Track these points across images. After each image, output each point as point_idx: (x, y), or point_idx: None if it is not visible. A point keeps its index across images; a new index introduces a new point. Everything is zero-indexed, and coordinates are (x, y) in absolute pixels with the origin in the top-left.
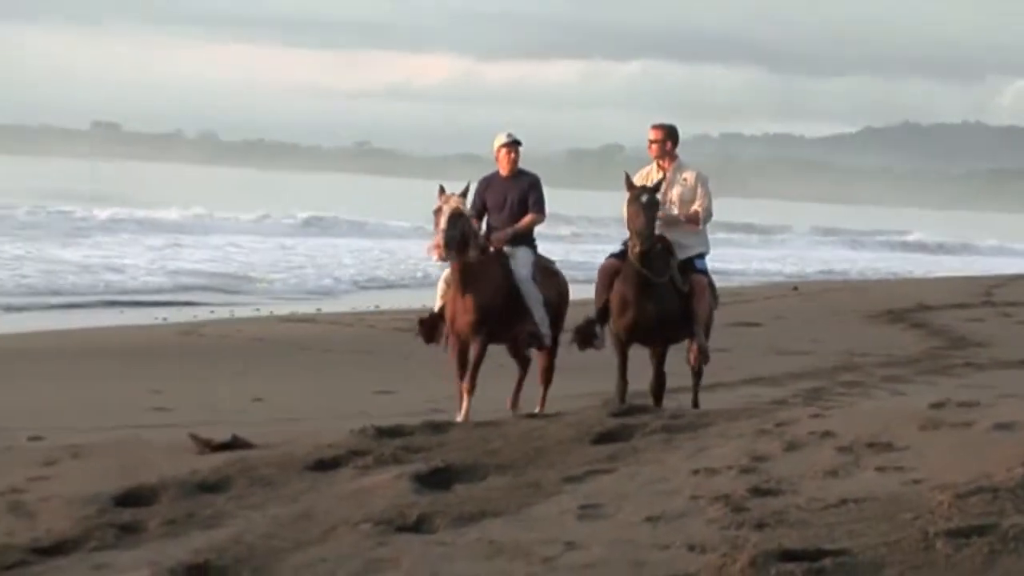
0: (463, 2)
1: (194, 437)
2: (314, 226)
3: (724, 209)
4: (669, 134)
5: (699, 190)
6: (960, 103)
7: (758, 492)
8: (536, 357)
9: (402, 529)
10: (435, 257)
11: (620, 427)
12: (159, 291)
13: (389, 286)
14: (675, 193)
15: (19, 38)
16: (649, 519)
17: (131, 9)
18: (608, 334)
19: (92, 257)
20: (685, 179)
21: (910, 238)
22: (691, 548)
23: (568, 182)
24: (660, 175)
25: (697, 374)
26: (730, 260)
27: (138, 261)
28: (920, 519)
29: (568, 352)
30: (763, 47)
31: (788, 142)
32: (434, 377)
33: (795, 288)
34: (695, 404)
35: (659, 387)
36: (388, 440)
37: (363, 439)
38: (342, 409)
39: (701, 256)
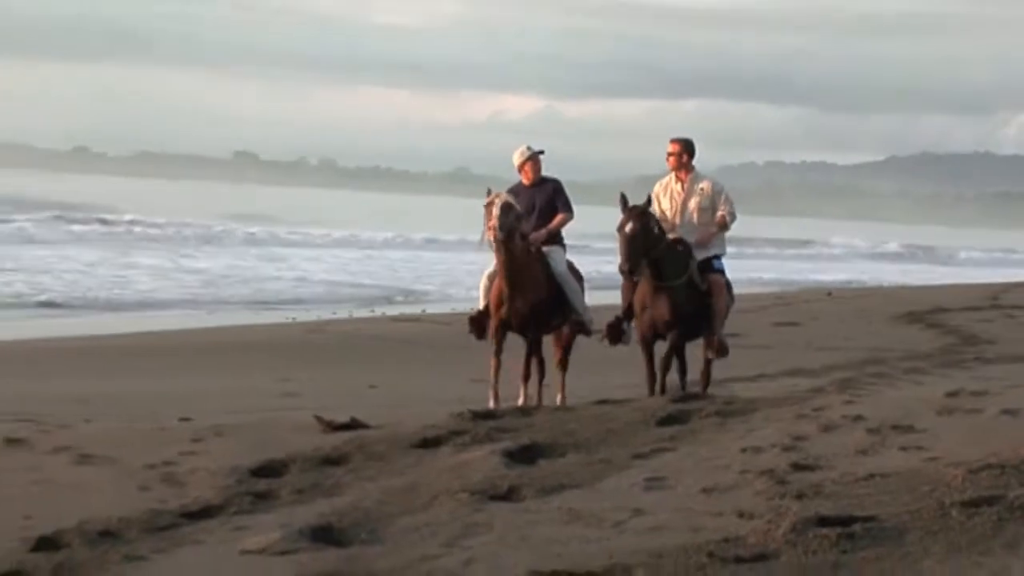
0: (544, 49)
1: (318, 419)
2: (433, 243)
3: (768, 226)
4: (686, 147)
5: (719, 198)
6: (972, 135)
7: (798, 467)
8: (553, 348)
9: (494, 498)
10: (490, 237)
11: (680, 412)
12: (301, 300)
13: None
14: (694, 202)
15: (175, 80)
16: (705, 490)
17: (264, 55)
18: (635, 332)
19: (248, 268)
20: (702, 189)
21: (927, 251)
22: (741, 515)
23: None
24: (678, 185)
25: (708, 366)
26: (772, 270)
27: (283, 272)
28: (937, 491)
29: (622, 347)
30: (801, 87)
31: (822, 169)
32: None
33: (829, 294)
34: (704, 390)
35: (680, 375)
36: (482, 422)
37: (461, 421)
38: (443, 395)
39: (718, 257)
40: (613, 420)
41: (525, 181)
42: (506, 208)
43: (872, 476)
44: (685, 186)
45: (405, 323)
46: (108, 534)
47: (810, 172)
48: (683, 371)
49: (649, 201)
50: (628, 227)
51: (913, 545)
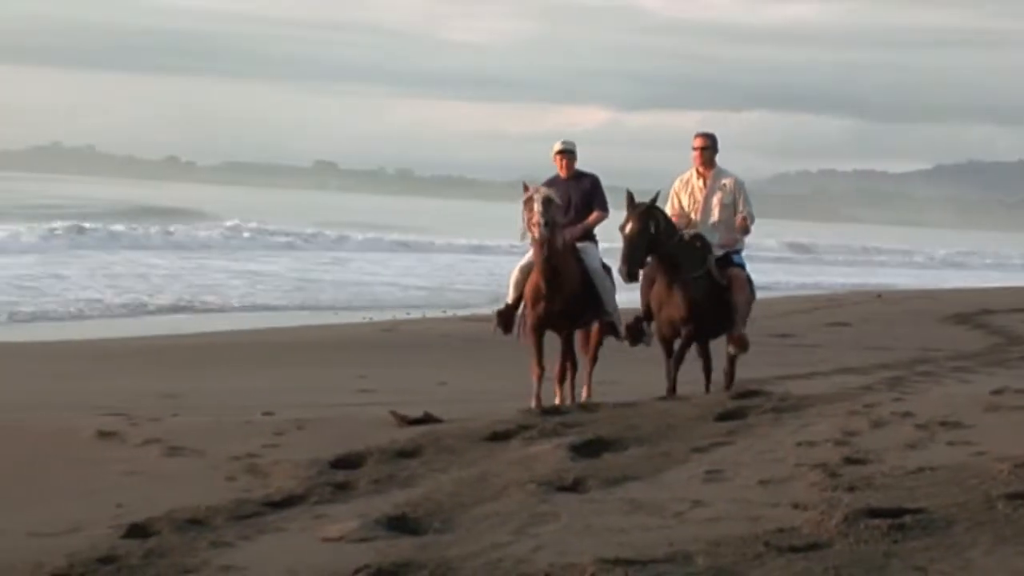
0: (608, 64)
1: (393, 413)
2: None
3: (822, 230)
4: (712, 142)
5: (740, 194)
6: (1015, 144)
7: (850, 461)
8: (580, 344)
9: (561, 489)
10: (535, 234)
11: (737, 408)
12: (400, 304)
13: None
14: (716, 198)
15: (259, 93)
16: (761, 482)
17: (343, 70)
18: (654, 331)
19: (345, 271)
20: (724, 184)
21: (973, 256)
22: (795, 506)
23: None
24: (699, 181)
25: (731, 363)
26: (827, 274)
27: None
28: (984, 484)
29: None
30: (853, 100)
31: (873, 177)
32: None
33: (879, 296)
34: (727, 389)
35: (706, 372)
36: (549, 417)
37: (529, 416)
38: (511, 391)
39: (738, 252)
40: (673, 416)
41: (562, 174)
42: (547, 203)
43: (921, 470)
44: (708, 182)
45: (475, 323)
46: (196, 522)
47: (862, 179)
48: (707, 369)
49: (655, 199)
50: (628, 227)
51: (960, 536)
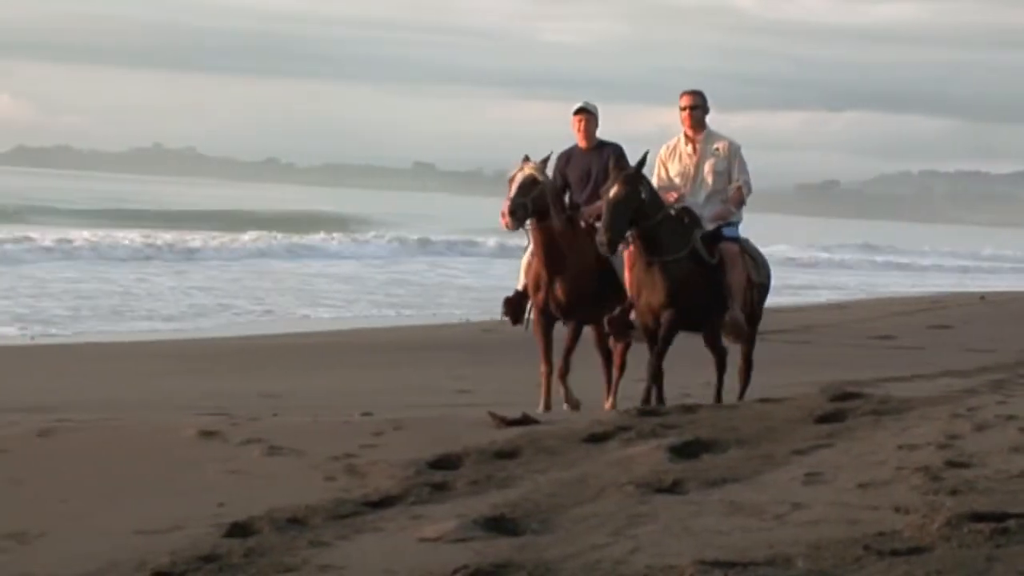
0: (705, 64)
1: (492, 414)
2: None
3: (923, 232)
4: (703, 101)
5: (735, 163)
6: None
7: (952, 464)
8: (614, 346)
9: (659, 491)
10: (501, 224)
11: (837, 410)
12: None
13: None
14: (708, 165)
15: (357, 95)
16: (861, 485)
17: (439, 71)
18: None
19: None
20: (718, 149)
21: None
22: (896, 510)
23: (794, 210)
24: (688, 147)
25: (745, 361)
26: (930, 277)
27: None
28: None
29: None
30: (956, 100)
31: (976, 178)
32: (685, 367)
33: (982, 298)
34: (741, 395)
35: (718, 370)
36: (648, 418)
37: (627, 417)
38: None
39: (731, 224)
40: (773, 418)
41: (580, 143)
42: (524, 187)
43: None
44: (697, 147)
45: None
46: (295, 521)
47: (964, 180)
48: (720, 367)
49: (642, 163)
50: (612, 192)
51: None
